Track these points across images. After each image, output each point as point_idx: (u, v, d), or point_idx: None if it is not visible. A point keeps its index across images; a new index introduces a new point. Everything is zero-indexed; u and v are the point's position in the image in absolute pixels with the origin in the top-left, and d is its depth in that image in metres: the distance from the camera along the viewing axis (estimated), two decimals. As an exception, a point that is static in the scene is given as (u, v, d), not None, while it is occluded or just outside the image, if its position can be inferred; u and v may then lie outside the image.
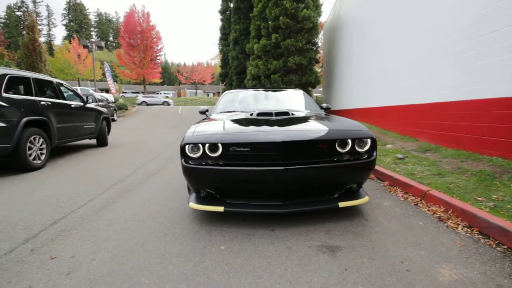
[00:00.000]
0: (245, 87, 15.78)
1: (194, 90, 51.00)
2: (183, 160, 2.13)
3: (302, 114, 2.95)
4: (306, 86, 13.34)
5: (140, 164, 4.59)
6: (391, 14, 6.97)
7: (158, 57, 33.34)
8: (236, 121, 2.57)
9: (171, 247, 1.87)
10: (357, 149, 2.16)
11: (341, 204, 2.13)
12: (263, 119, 2.51)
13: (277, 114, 2.60)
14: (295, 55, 12.33)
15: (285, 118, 2.49)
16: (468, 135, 4.20)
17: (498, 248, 1.74)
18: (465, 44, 4.27)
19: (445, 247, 1.79)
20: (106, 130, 6.73)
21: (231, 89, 19.12)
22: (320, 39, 16.12)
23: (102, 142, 6.53)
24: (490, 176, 3.07)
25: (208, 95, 41.45)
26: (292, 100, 3.80)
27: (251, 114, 2.81)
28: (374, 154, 2.15)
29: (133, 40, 29.34)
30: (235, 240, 1.95)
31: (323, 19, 13.93)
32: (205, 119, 3.24)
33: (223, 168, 2.01)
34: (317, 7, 12.26)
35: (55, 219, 2.32)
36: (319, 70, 16.76)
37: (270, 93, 4.00)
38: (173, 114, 16.92)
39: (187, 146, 2.12)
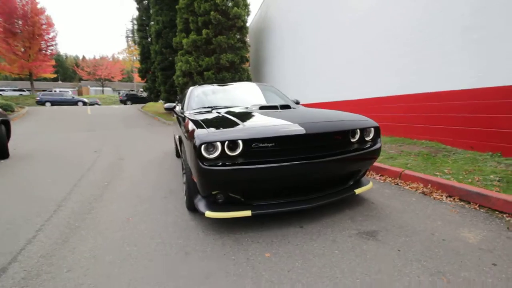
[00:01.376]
0: (172, 85, 14.72)
1: (101, 88, 44.33)
2: (199, 162, 1.79)
3: (299, 108, 2.93)
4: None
5: (78, 176, 3.68)
6: (321, 17, 7.74)
7: (50, 48, 27.40)
8: (243, 116, 2.33)
9: (208, 267, 1.56)
10: (365, 138, 2.30)
11: (357, 191, 2.23)
12: (271, 112, 2.37)
13: (282, 107, 2.50)
14: (228, 52, 12.25)
15: (292, 111, 2.42)
16: (398, 124, 5.08)
17: (482, 210, 2.17)
18: (398, 54, 5.13)
19: (449, 216, 2.11)
20: (6, 137, 5.10)
21: (155, 86, 17.49)
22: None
23: (1, 153, 4.91)
24: (429, 155, 3.79)
25: (119, 93, 36.65)
26: (267, 94, 3.74)
27: (247, 108, 2.62)
28: (379, 141, 2.34)
29: (12, 25, 23.13)
30: (273, 244, 1.78)
31: (249, 19, 14.27)
32: (184, 118, 2.86)
33: (253, 167, 1.79)
34: (246, 6, 12.48)
35: None
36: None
37: (242, 87, 3.82)
38: (80, 116, 14.27)
39: (203, 146, 1.79)
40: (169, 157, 4.86)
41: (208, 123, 2.09)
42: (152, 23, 15.99)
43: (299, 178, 1.96)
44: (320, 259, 1.60)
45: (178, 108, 3.81)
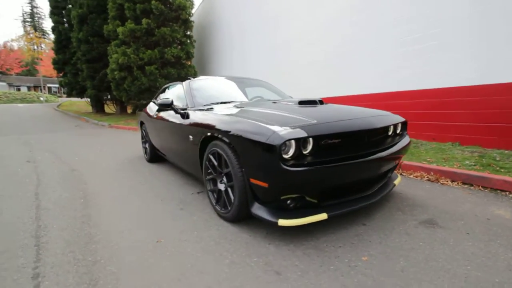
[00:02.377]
0: (103, 80, 12.74)
1: (-12, 82, 35.10)
2: (280, 164, 1.55)
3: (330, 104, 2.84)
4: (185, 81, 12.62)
5: (29, 193, 2.82)
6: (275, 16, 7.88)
7: None
8: (295, 111, 2.09)
9: (318, 285, 1.34)
10: (397, 131, 2.40)
11: (395, 183, 2.32)
12: (312, 107, 2.23)
13: (320, 102, 2.38)
14: (173, 46, 11.34)
15: (329, 107, 2.33)
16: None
17: (486, 190, 2.54)
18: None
19: (468, 198, 2.39)
20: None
21: (77, 81, 14.80)
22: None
23: None
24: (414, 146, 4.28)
25: (19, 89, 29.73)
26: (272, 89, 3.56)
27: (277, 103, 2.40)
28: (407, 135, 2.48)
29: None
30: (357, 246, 1.67)
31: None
32: (184, 114, 2.50)
33: (338, 165, 1.64)
34: (189, -1, 11.77)
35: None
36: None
37: (246, 81, 3.53)
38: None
39: (282, 146, 1.55)
40: (137, 163, 4.16)
41: (268, 120, 1.82)
42: (71, 6, 13.51)
43: (369, 173, 1.91)
44: (415, 253, 1.58)
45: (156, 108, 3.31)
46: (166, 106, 2.78)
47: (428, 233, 1.81)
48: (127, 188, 2.98)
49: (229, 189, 1.98)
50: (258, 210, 1.76)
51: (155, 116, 3.50)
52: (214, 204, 2.18)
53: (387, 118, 2.21)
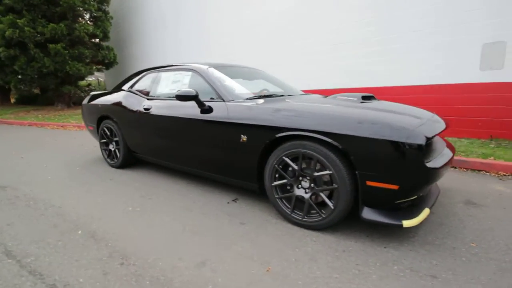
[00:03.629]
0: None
1: None
2: (424, 163, 1.48)
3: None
4: (101, 65, 10.53)
5: None
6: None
7: None
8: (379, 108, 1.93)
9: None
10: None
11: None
12: (375, 104, 2.13)
13: (374, 98, 2.31)
14: (86, 21, 9.20)
15: (393, 103, 2.29)
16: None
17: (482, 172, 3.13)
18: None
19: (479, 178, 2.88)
20: None
21: None
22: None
23: None
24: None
25: None
26: (272, 79, 3.22)
27: (339, 98, 2.20)
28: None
29: None
30: (456, 233, 1.76)
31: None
32: (225, 108, 2.09)
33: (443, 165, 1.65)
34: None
35: None
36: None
37: (246, 69, 3.06)
38: None
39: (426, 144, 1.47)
40: (107, 171, 3.24)
41: (384, 116, 1.66)
42: None
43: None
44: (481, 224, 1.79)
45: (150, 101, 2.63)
46: (189, 98, 2.20)
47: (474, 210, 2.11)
48: (139, 207, 2.25)
49: (321, 194, 1.75)
50: (372, 214, 1.62)
51: (147, 111, 2.73)
52: (289, 212, 1.89)
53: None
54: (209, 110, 2.23)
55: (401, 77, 4.68)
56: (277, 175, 1.91)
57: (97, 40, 9.92)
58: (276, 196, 1.94)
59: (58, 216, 2.08)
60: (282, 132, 1.80)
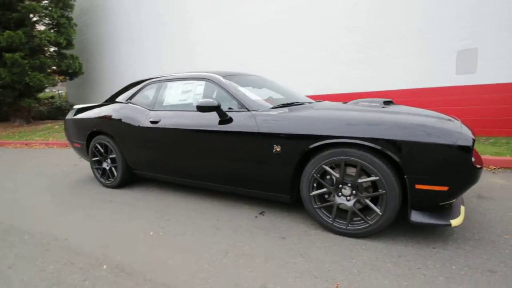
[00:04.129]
0: None
1: None
2: (473, 164, 1.54)
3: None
4: (64, 75, 9.71)
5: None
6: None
7: None
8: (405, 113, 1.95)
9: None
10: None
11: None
12: (397, 109, 2.19)
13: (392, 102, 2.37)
14: (47, 29, 8.47)
15: (410, 108, 2.35)
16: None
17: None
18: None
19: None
20: None
21: None
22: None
23: None
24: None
25: None
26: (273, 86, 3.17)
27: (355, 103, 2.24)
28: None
29: None
30: (488, 225, 1.85)
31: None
32: (254, 118, 2.00)
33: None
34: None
35: None
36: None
37: (253, 77, 2.97)
38: None
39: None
40: (103, 192, 2.94)
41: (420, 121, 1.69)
42: None
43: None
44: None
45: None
46: (212, 109, 2.08)
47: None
48: (161, 231, 2.03)
49: (367, 201, 1.72)
50: (421, 217, 1.63)
51: (154, 123, 2.51)
52: (331, 222, 1.84)
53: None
54: (230, 120, 2.12)
55: (384, 82, 4.96)
56: (315, 184, 1.86)
57: (60, 48, 9.13)
58: (315, 206, 1.88)
59: (67, 250, 1.80)
60: (321, 140, 1.76)
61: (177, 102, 2.60)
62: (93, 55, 10.60)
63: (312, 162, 1.83)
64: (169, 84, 2.69)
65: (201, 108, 2.05)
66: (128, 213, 2.35)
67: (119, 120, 2.78)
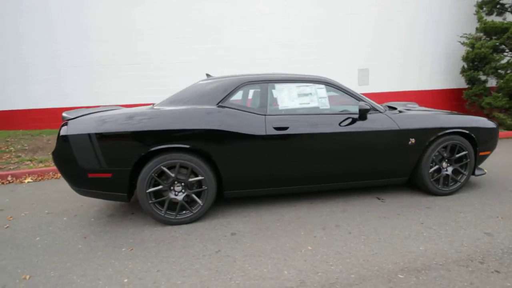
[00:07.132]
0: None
1: None
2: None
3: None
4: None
5: None
6: None
7: None
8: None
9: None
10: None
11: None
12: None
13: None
14: None
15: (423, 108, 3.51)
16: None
17: None
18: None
19: None
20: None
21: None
22: None
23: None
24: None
25: None
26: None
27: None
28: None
29: None
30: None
31: None
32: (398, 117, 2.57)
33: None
34: None
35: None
36: None
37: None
38: None
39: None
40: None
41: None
42: None
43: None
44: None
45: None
46: (367, 112, 2.33)
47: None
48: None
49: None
50: (477, 171, 2.80)
51: (281, 130, 2.21)
52: (444, 188, 2.67)
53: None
54: (371, 121, 2.46)
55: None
56: (433, 163, 2.62)
57: None
58: (432, 179, 2.64)
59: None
60: (442, 131, 2.55)
61: (297, 105, 2.42)
62: None
63: (431, 147, 2.56)
64: (277, 86, 2.44)
65: (364, 111, 2.26)
66: (234, 256, 2.01)
67: (217, 130, 2.17)
